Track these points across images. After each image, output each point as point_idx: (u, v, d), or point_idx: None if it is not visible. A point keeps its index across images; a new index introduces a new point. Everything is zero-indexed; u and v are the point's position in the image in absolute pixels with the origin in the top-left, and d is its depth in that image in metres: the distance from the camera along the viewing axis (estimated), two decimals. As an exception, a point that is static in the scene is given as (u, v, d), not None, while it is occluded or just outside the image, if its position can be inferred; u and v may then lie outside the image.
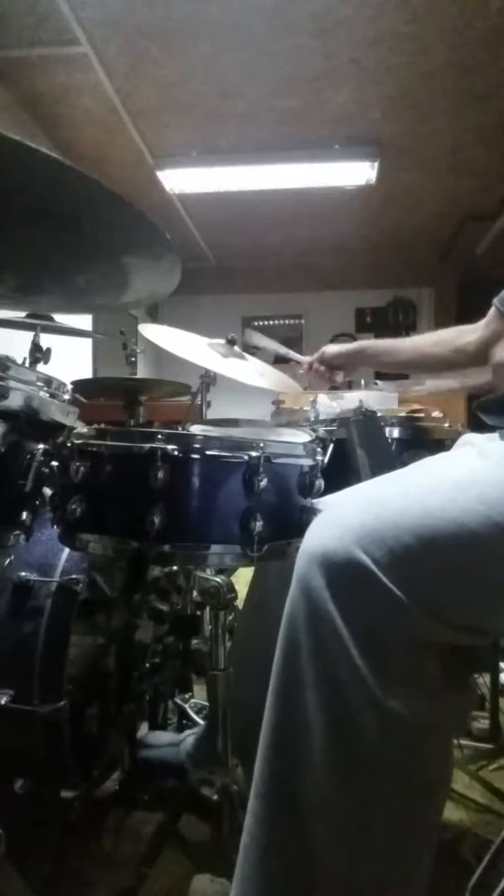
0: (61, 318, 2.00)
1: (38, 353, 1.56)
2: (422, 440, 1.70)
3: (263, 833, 0.60)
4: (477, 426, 1.02)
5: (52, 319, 1.93)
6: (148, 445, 0.71)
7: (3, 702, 0.92)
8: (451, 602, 0.59)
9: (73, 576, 1.00)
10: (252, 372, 1.34)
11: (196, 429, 0.99)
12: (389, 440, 1.63)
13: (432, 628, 0.57)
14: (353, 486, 1.00)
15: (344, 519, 0.62)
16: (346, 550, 0.58)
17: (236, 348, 1.34)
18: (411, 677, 0.58)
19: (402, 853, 0.60)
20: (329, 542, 0.60)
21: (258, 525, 0.72)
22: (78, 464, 0.74)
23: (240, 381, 1.24)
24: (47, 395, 1.01)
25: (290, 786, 0.60)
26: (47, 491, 0.88)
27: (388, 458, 1.41)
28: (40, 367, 1.55)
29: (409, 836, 0.60)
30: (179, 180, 4.30)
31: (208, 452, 0.73)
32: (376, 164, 4.05)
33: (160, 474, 0.70)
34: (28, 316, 1.87)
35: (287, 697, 0.61)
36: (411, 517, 0.60)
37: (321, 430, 1.71)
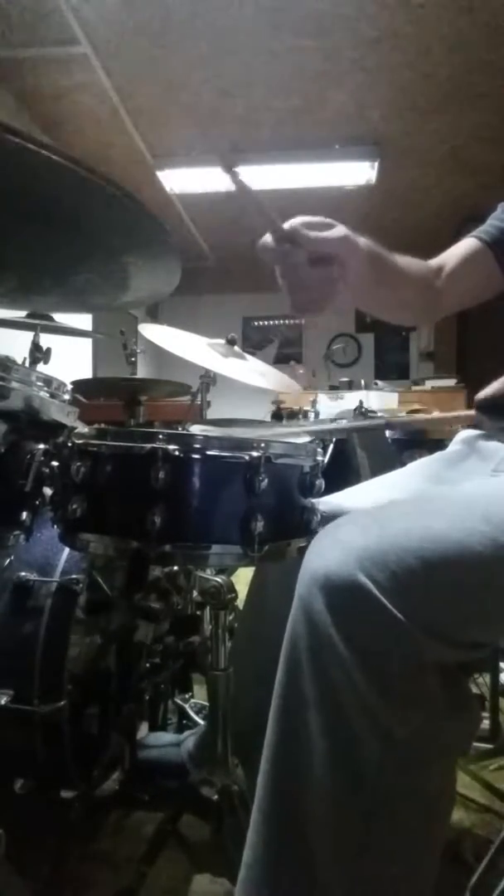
0: (61, 318, 2.00)
1: (38, 353, 1.56)
2: (421, 440, 1.70)
3: (266, 852, 0.60)
4: (477, 426, 1.01)
5: (52, 319, 1.93)
6: (149, 445, 0.71)
7: (3, 702, 0.92)
8: (454, 623, 0.58)
9: (73, 576, 1.00)
10: (252, 372, 1.34)
11: (196, 429, 0.99)
12: (389, 440, 1.63)
13: (435, 649, 0.57)
14: (355, 487, 1.00)
15: (346, 540, 0.61)
16: (347, 573, 0.57)
17: (236, 348, 1.34)
18: (414, 700, 0.57)
19: (404, 873, 0.60)
20: (331, 563, 0.59)
21: (259, 525, 0.72)
22: (78, 464, 0.74)
23: (240, 381, 1.24)
24: (47, 395, 1.01)
25: (291, 805, 0.59)
26: (47, 491, 0.88)
27: (388, 458, 1.41)
28: (40, 367, 1.55)
29: (412, 855, 0.60)
30: (179, 180, 4.30)
31: (209, 452, 0.73)
32: (376, 164, 4.05)
33: (161, 474, 0.70)
34: (28, 316, 1.88)
35: (288, 718, 0.61)
36: (415, 539, 0.59)
37: (321, 430, 1.71)
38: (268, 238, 0.77)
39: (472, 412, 0.85)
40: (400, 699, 0.56)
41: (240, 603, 1.08)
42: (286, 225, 0.76)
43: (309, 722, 0.58)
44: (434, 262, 0.99)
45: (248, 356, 1.40)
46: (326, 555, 0.60)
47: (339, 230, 0.77)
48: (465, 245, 0.99)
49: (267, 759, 0.62)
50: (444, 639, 0.57)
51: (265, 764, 0.62)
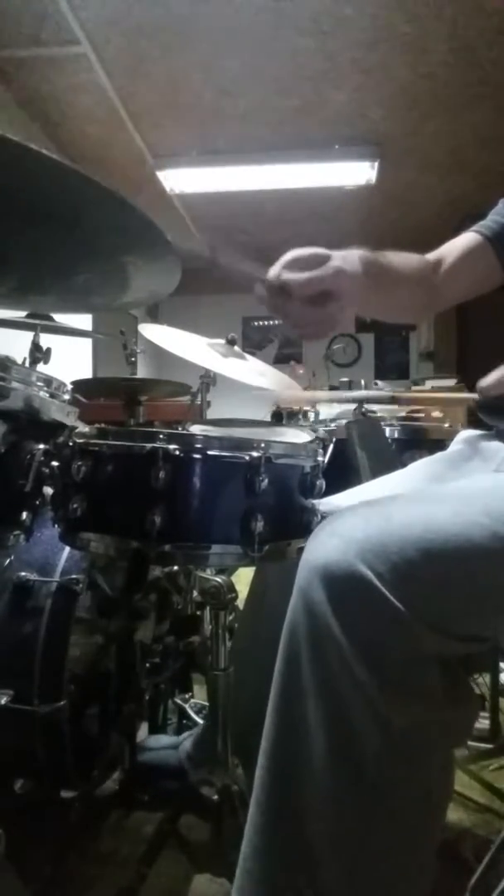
0: (61, 318, 2.00)
1: (38, 353, 1.56)
2: (422, 440, 1.70)
3: (263, 843, 0.60)
4: (477, 426, 1.01)
5: (52, 319, 1.93)
6: (149, 445, 0.71)
7: (3, 702, 0.92)
8: (454, 615, 0.58)
9: (73, 576, 1.00)
10: (252, 372, 1.34)
11: (196, 429, 0.99)
12: (389, 440, 1.63)
13: (435, 641, 0.57)
14: (356, 488, 1.00)
15: (347, 531, 0.61)
16: (348, 564, 0.57)
17: (236, 348, 1.34)
18: (414, 691, 0.57)
19: (402, 865, 0.60)
20: (331, 554, 0.59)
21: (259, 525, 0.72)
22: (79, 463, 0.74)
23: (240, 381, 1.24)
24: (47, 395, 1.01)
25: (289, 797, 0.59)
26: (48, 491, 0.88)
27: (388, 459, 1.41)
28: (40, 367, 1.54)
29: (410, 848, 0.60)
30: (179, 180, 4.30)
31: (209, 452, 0.73)
32: (376, 164, 4.05)
33: (161, 474, 0.70)
34: (28, 316, 1.88)
35: (287, 710, 0.61)
36: (416, 530, 0.59)
37: (321, 431, 1.71)
38: (260, 290, 0.77)
39: (473, 395, 0.84)
40: (399, 690, 0.56)
41: (240, 603, 1.08)
42: (275, 270, 0.76)
43: (308, 713, 0.58)
44: (432, 256, 0.99)
45: (248, 356, 1.40)
46: (327, 545, 0.60)
47: (333, 263, 0.76)
48: (465, 239, 0.99)
49: (265, 751, 0.61)
50: (444, 630, 0.57)
51: (263, 756, 0.61)
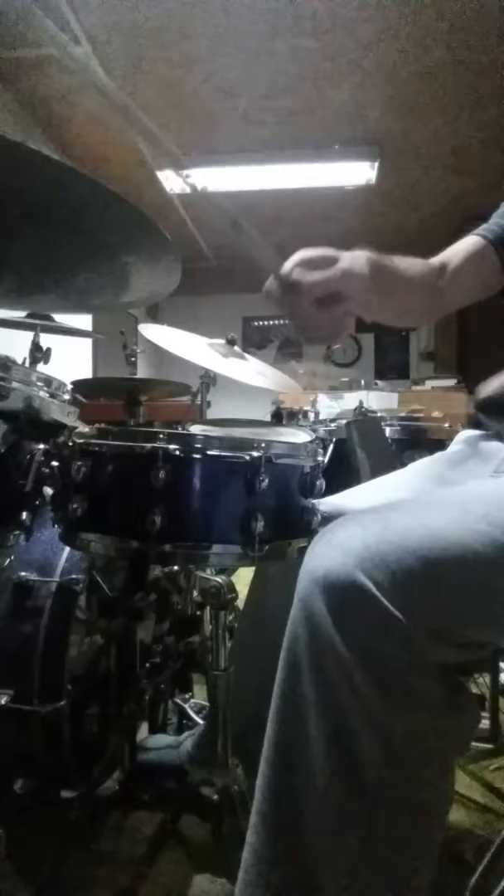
0: (61, 318, 2.00)
1: (38, 353, 1.56)
2: (422, 440, 1.70)
3: (264, 849, 0.60)
4: (477, 426, 1.01)
5: (52, 319, 1.93)
6: (149, 445, 0.71)
7: (3, 702, 0.92)
8: (453, 623, 0.59)
9: (73, 576, 1.00)
10: (252, 372, 1.34)
11: (196, 429, 0.99)
12: (389, 440, 1.63)
13: (434, 649, 0.57)
14: (356, 487, 1.00)
15: (346, 540, 0.61)
16: (347, 573, 0.57)
17: (236, 348, 1.34)
18: (414, 700, 0.57)
19: (402, 873, 0.60)
20: (331, 563, 0.59)
21: (259, 525, 0.72)
22: (79, 463, 0.74)
23: (240, 381, 1.24)
24: (47, 395, 1.01)
25: (291, 806, 0.59)
26: (48, 491, 0.88)
27: (388, 459, 1.41)
28: (40, 367, 1.55)
29: (410, 853, 0.60)
30: (179, 180, 4.30)
31: (209, 452, 0.73)
32: (376, 164, 4.05)
33: (161, 474, 0.70)
34: (28, 316, 1.88)
35: (288, 718, 0.61)
36: (415, 538, 0.59)
37: (321, 431, 1.71)
38: (272, 285, 0.77)
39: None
40: (400, 699, 0.56)
41: (240, 603, 1.08)
42: (287, 268, 0.76)
43: (308, 722, 0.58)
44: (436, 260, 0.99)
45: (248, 356, 1.40)
46: (326, 555, 0.60)
47: (342, 265, 0.77)
48: (469, 243, 0.99)
49: (266, 760, 0.62)
50: (444, 639, 0.57)
51: (264, 765, 0.62)
